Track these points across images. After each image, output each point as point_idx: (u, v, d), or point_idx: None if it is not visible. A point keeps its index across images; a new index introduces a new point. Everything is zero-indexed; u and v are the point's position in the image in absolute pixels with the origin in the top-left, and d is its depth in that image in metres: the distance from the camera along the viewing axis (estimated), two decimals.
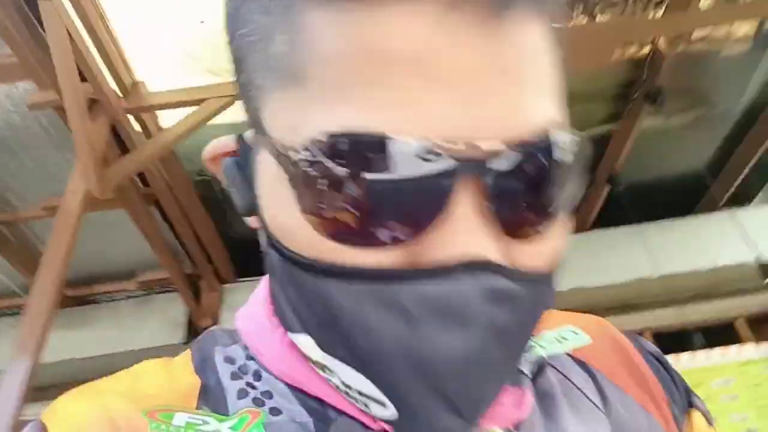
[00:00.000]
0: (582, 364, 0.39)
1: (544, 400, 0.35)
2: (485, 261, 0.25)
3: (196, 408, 0.31)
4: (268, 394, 0.32)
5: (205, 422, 0.30)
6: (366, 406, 0.29)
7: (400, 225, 0.25)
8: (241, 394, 0.32)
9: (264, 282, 0.36)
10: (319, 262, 0.27)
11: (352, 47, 0.25)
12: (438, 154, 0.24)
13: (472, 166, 0.25)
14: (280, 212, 0.28)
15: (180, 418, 0.30)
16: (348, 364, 0.27)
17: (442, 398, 0.26)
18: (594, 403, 0.37)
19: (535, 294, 0.27)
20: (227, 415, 0.31)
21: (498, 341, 0.26)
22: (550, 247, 0.28)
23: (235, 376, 0.33)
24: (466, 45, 0.24)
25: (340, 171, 0.25)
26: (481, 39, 0.24)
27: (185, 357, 0.35)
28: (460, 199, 0.25)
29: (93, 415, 0.30)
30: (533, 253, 0.27)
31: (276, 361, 0.33)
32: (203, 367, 0.34)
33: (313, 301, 0.27)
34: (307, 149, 0.25)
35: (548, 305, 0.30)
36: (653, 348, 0.42)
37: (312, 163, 0.25)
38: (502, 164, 0.25)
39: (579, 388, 0.37)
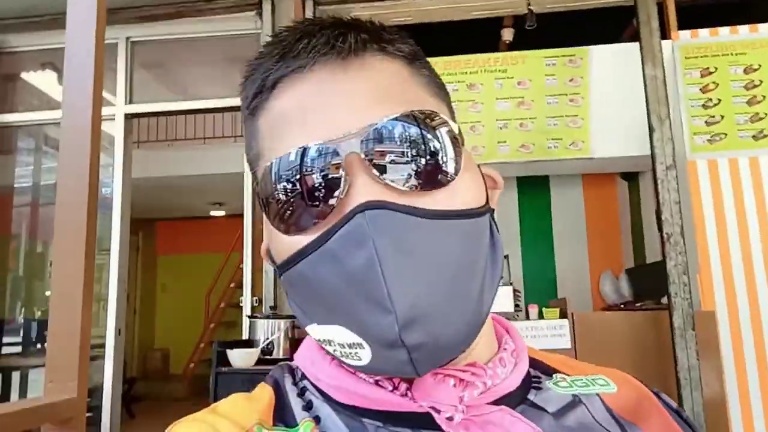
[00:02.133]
0: (608, 408, 0.44)
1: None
2: (370, 201, 0.36)
3: (273, 425, 0.41)
4: (318, 419, 0.41)
5: None
6: (358, 357, 0.38)
7: (324, 204, 0.38)
8: (304, 408, 0.42)
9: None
10: (292, 256, 0.40)
11: (270, 123, 0.43)
12: (325, 148, 0.38)
13: (345, 145, 0.38)
14: (272, 242, 0.43)
15: None
16: (332, 323, 0.38)
17: (376, 302, 0.35)
18: None
19: (449, 226, 0.38)
20: (296, 425, 0.41)
21: (400, 254, 0.35)
22: (461, 192, 0.40)
23: (298, 396, 0.44)
24: (328, 92, 0.40)
25: (279, 186, 0.39)
26: (333, 82, 0.41)
27: (261, 386, 0.46)
28: (352, 171, 0.37)
29: None
30: (439, 200, 0.38)
31: (327, 378, 0.43)
32: (276, 388, 0.45)
33: (302, 288, 0.40)
34: (257, 182, 0.42)
35: (479, 238, 0.40)
36: (673, 404, 0.48)
37: (262, 189, 0.41)
38: (365, 140, 0.38)
39: (602, 425, 0.42)
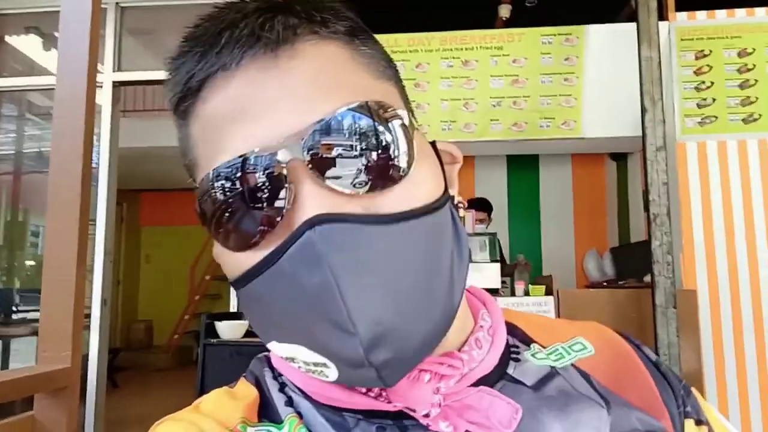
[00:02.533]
0: (586, 376, 0.43)
1: (549, 404, 0.40)
2: (319, 215, 0.33)
3: (258, 421, 0.40)
4: (300, 415, 0.40)
5: (268, 431, 0.39)
6: (325, 375, 0.36)
7: (269, 218, 0.34)
8: (287, 404, 0.41)
9: None
10: (243, 275, 0.36)
11: (202, 129, 0.38)
12: (263, 157, 0.34)
13: (285, 151, 0.34)
14: (220, 257, 0.39)
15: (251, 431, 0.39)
16: (293, 342, 0.35)
17: (336, 325, 0.33)
18: (597, 402, 0.41)
19: (406, 228, 0.35)
20: (280, 422, 0.40)
21: (358, 269, 0.32)
22: (414, 186, 0.36)
23: (280, 390, 0.42)
24: (259, 91, 0.36)
25: (218, 201, 0.35)
26: (265, 79, 0.36)
27: (242, 381, 0.44)
28: (296, 179, 0.34)
29: None
30: (394, 199, 0.35)
31: (300, 384, 0.42)
32: (258, 384, 0.43)
33: (257, 307, 0.37)
34: (195, 198, 0.37)
35: (442, 232, 0.37)
36: (653, 355, 0.47)
37: (201, 204, 0.37)
38: (307, 142, 0.34)
39: (582, 393, 0.42)
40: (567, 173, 4.45)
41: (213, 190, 0.35)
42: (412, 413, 0.38)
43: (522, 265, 3.56)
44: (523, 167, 4.41)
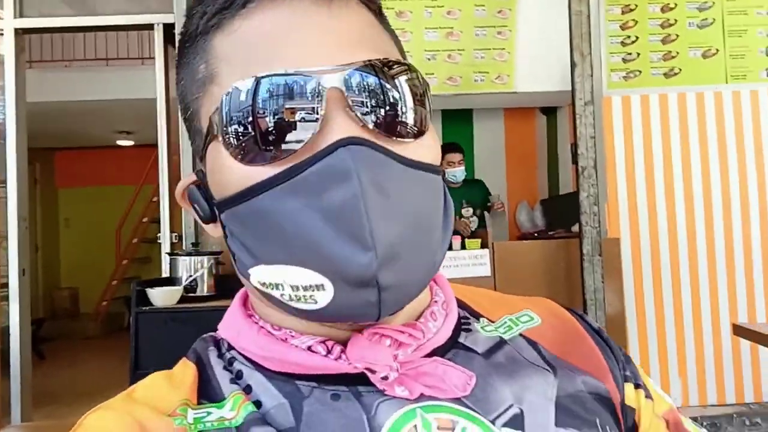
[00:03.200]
0: (533, 344, 0.46)
1: (498, 371, 0.42)
2: (354, 137, 0.35)
3: (198, 403, 0.39)
4: (249, 389, 0.40)
5: (209, 413, 0.38)
6: (313, 299, 0.36)
7: (300, 135, 0.36)
8: (232, 381, 0.40)
9: (237, 296, 0.46)
10: (251, 188, 0.37)
11: (234, 44, 0.39)
12: (306, 78, 0.36)
13: (327, 78, 0.36)
14: (220, 173, 0.39)
15: (190, 416, 0.38)
16: (290, 263, 0.36)
17: (355, 239, 0.34)
18: (544, 368, 0.44)
19: (418, 177, 0.38)
20: (223, 400, 0.39)
21: (381, 194, 0.35)
22: (426, 148, 0.40)
23: (225, 369, 0.42)
24: (307, 19, 0.38)
25: (249, 110, 0.36)
26: (318, 14, 0.39)
27: (182, 362, 0.43)
28: (331, 107, 0.36)
29: (122, 423, 0.36)
30: (411, 150, 0.38)
31: (256, 349, 0.41)
32: (200, 363, 0.42)
33: (256, 224, 0.37)
34: (219, 103, 0.38)
35: (440, 195, 0.40)
36: (595, 324, 0.51)
37: (222, 112, 0.37)
38: (349, 77, 0.36)
39: (530, 361, 0.44)
40: (500, 127, 4.52)
41: (245, 99, 0.36)
42: (371, 375, 0.38)
43: (496, 209, 3.67)
44: (457, 121, 4.44)
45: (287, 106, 0.36)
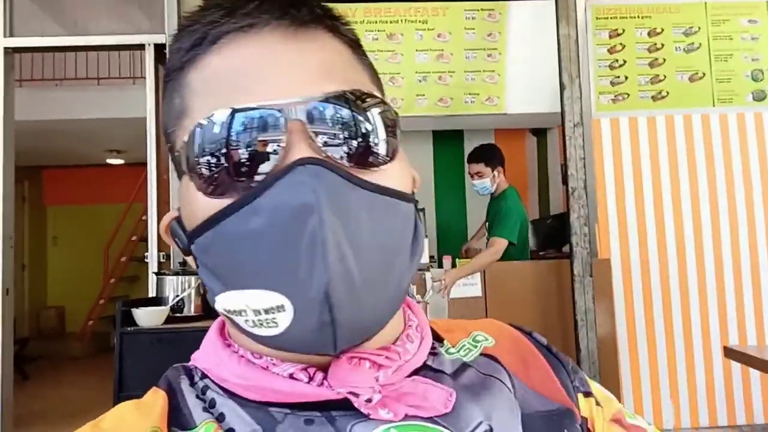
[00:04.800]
0: (495, 359, 0.48)
1: (466, 391, 0.43)
2: (311, 157, 0.36)
3: (168, 430, 0.38)
4: (222, 416, 0.40)
5: None
6: (275, 322, 0.36)
7: (258, 168, 0.36)
8: (205, 410, 0.40)
9: (213, 325, 0.46)
10: (215, 215, 0.37)
11: (206, 79, 0.40)
12: (269, 112, 0.37)
13: (290, 111, 0.37)
14: (189, 206, 0.40)
15: None
16: (254, 287, 0.36)
17: (310, 257, 0.34)
18: (507, 386, 0.45)
19: (379, 201, 0.38)
20: (194, 428, 0.39)
21: (338, 212, 0.35)
22: (392, 177, 0.40)
23: (198, 398, 0.41)
24: (275, 54, 0.39)
25: (212, 145, 0.37)
26: (285, 49, 0.39)
27: (152, 391, 0.42)
28: (293, 138, 0.37)
29: None
30: (375, 177, 0.38)
31: (236, 379, 0.41)
32: (171, 391, 0.42)
33: (221, 250, 0.38)
34: (187, 137, 0.39)
35: (407, 222, 0.40)
36: (543, 340, 0.53)
37: (188, 148, 0.38)
38: (311, 109, 0.37)
39: (497, 378, 0.45)
40: None
41: (208, 136, 0.37)
42: (354, 399, 0.38)
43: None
44: (448, 142, 4.46)
45: (249, 140, 0.36)
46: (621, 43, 3.09)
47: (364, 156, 0.38)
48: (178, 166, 0.41)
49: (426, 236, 3.04)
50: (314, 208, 0.34)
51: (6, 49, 3.11)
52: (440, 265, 3.08)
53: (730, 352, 1.94)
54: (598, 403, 0.49)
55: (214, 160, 0.37)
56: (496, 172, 3.00)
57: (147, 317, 2.30)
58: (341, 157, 0.37)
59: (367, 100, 0.40)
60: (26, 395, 4.49)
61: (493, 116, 3.28)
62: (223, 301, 0.39)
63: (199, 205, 0.39)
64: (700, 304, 2.99)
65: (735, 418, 2.94)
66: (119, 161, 7.13)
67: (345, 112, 0.38)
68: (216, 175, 0.37)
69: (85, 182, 7.49)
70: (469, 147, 4.54)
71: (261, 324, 0.37)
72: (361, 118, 0.39)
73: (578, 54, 2.74)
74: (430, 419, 0.39)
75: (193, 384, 0.43)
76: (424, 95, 3.16)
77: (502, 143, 4.57)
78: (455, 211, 4.52)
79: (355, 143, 0.38)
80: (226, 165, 0.37)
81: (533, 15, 3.20)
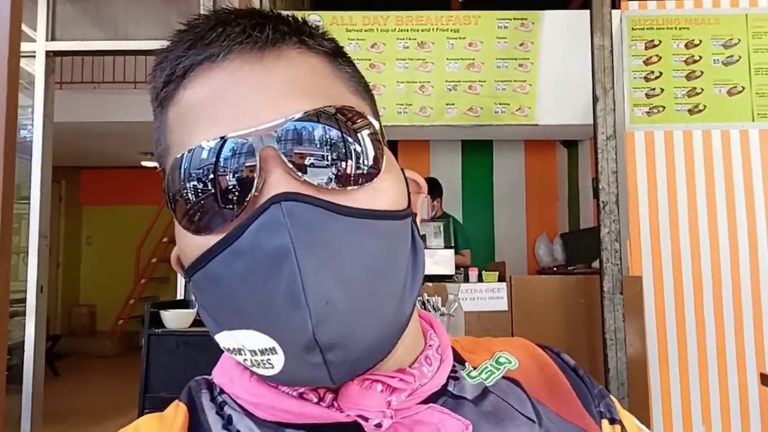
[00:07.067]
0: (518, 384, 0.46)
1: (488, 419, 0.41)
2: (287, 193, 0.34)
3: None
4: None
5: None
6: (270, 364, 0.35)
7: (237, 201, 0.35)
8: (224, 427, 0.40)
9: None
10: (201, 256, 0.37)
11: (179, 114, 0.39)
12: (239, 142, 0.35)
13: (260, 139, 0.35)
14: (179, 242, 0.39)
15: None
16: (245, 327, 0.35)
17: (289, 298, 0.33)
18: (529, 419, 0.43)
19: (365, 226, 0.36)
20: None
21: (316, 249, 0.33)
22: (381, 191, 0.38)
23: (217, 414, 0.41)
24: (241, 80, 0.38)
25: (188, 182, 0.36)
26: (251, 73, 0.38)
27: (174, 404, 0.43)
28: (267, 167, 0.35)
29: None
30: (361, 196, 0.37)
31: (248, 396, 0.40)
32: (192, 406, 0.42)
33: (211, 291, 0.37)
34: (165, 178, 0.38)
35: (400, 241, 0.38)
36: (571, 362, 0.51)
37: (169, 185, 0.38)
38: (281, 134, 0.35)
39: (515, 408, 0.43)
40: (520, 159, 4.50)
41: (182, 174, 0.36)
42: (364, 423, 0.37)
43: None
44: (477, 152, 4.42)
45: (222, 174, 0.35)
46: (657, 55, 3.02)
47: (344, 174, 0.36)
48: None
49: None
50: (289, 251, 0.33)
51: (47, 52, 3.21)
52: (466, 278, 3.04)
53: (767, 379, 1.86)
54: (624, 430, 0.47)
55: (190, 200, 0.36)
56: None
57: (174, 319, 2.33)
58: (321, 180, 0.35)
59: (344, 113, 0.38)
60: (56, 392, 4.58)
61: (523, 127, 3.24)
62: (221, 340, 0.38)
63: (186, 243, 0.38)
64: (735, 327, 2.87)
65: None
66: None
67: (318, 131, 0.36)
68: (195, 215, 0.36)
69: (119, 183, 7.67)
70: (498, 158, 4.50)
71: (258, 364, 0.37)
72: (337, 134, 0.37)
73: (612, 65, 2.68)
74: None
75: (213, 398, 0.43)
76: (453, 104, 3.15)
77: (531, 154, 4.51)
78: (483, 222, 4.48)
79: (333, 162, 0.36)
80: (201, 202, 0.36)
81: (567, 25, 3.15)
